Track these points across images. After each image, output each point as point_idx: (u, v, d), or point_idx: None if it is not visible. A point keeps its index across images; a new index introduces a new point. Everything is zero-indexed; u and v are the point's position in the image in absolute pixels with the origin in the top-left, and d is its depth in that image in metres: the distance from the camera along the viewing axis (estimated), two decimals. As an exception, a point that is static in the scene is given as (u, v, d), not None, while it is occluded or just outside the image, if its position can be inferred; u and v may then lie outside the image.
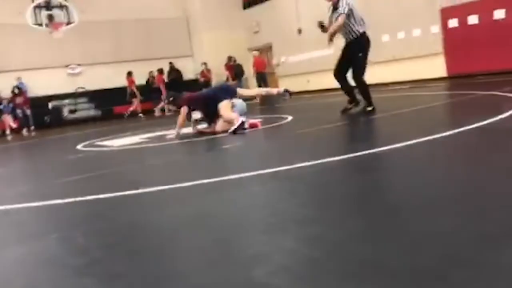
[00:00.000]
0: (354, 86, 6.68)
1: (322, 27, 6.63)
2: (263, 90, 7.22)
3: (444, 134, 3.91)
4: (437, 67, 12.81)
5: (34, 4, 13.95)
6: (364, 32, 6.40)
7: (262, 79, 16.67)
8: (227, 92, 6.71)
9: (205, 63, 18.14)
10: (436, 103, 7.40)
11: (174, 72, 17.83)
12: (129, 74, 16.68)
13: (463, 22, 12.14)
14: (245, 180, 3.25)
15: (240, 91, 7.07)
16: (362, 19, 6.41)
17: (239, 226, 2.24)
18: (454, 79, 11.96)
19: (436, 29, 12.80)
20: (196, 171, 4.10)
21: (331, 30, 6.36)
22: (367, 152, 3.67)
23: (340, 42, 6.78)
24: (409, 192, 2.44)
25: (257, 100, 13.31)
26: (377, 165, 3.30)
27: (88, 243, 2.25)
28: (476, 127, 4.00)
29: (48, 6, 14.17)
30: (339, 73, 6.64)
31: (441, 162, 3.14)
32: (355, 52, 6.40)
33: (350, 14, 6.27)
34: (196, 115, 6.84)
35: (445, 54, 12.72)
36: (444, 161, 3.17)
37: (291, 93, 7.05)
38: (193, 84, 17.08)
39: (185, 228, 2.31)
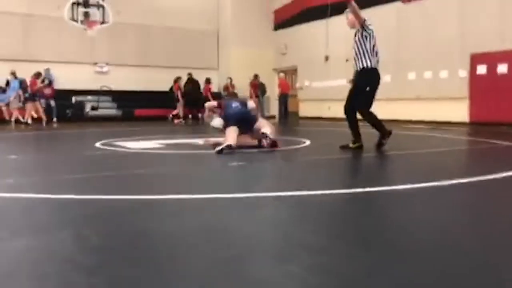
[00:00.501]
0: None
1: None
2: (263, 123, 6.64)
3: (460, 180, 3.87)
4: (460, 112, 12.74)
5: (73, 0, 14.30)
6: (376, 68, 6.08)
7: (284, 101, 16.79)
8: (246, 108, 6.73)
9: (230, 78, 18.30)
10: (455, 147, 7.34)
11: (192, 83, 17.91)
12: (177, 80, 16.97)
13: (492, 69, 12.10)
14: (259, 200, 3.26)
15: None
16: (377, 53, 6.09)
17: (248, 247, 2.23)
18: (477, 126, 11.87)
19: (464, 73, 12.76)
20: (208, 184, 4.11)
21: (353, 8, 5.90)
22: (381, 188, 3.65)
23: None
24: (420, 233, 2.42)
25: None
26: (391, 203, 3.28)
27: (97, 243, 2.27)
28: (493, 179, 3.96)
29: (85, 4, 14.52)
30: (349, 107, 6.25)
31: (452, 208, 3.11)
32: (363, 85, 6.10)
33: (368, 38, 5.98)
34: (217, 122, 6.77)
35: (470, 99, 12.66)
36: (457, 208, 3.14)
37: (272, 145, 6.31)
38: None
39: (193, 242, 2.31)
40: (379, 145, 6.15)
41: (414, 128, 11.43)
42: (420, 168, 4.99)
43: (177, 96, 16.84)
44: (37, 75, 14.88)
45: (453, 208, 3.09)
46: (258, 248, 2.23)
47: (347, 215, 2.94)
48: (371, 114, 6.14)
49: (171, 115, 16.87)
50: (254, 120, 6.53)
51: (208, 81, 17.99)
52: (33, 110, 14.57)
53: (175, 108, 17.00)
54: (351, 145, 6.25)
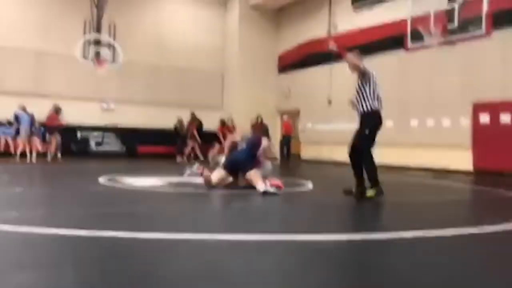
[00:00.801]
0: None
1: (353, 104, 6.59)
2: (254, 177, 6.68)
3: (466, 230, 3.88)
4: (463, 160, 12.77)
5: (85, 39, 14.69)
6: (378, 110, 6.09)
7: (286, 143, 16.92)
8: (253, 151, 6.82)
9: (231, 119, 18.48)
10: (459, 196, 7.34)
11: (194, 121, 18.11)
12: (193, 119, 17.50)
13: (495, 119, 12.20)
14: (262, 243, 3.26)
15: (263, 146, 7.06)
16: (380, 97, 6.14)
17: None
18: (480, 174, 11.88)
19: (466, 121, 12.87)
20: (210, 224, 4.13)
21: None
22: (384, 235, 3.66)
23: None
24: (422, 284, 2.42)
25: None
26: (393, 250, 3.28)
27: (97, 281, 2.29)
28: (501, 230, 3.96)
29: (97, 43, 14.92)
30: (352, 151, 6.25)
31: (456, 259, 3.10)
32: (363, 129, 6.11)
33: (369, 83, 6.05)
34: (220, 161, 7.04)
35: (473, 147, 12.71)
36: (462, 259, 3.13)
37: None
38: (214, 136, 17.29)
39: (193, 284, 2.31)
40: (354, 193, 6.03)
41: (416, 175, 11.46)
42: (423, 216, 4.98)
43: (191, 135, 17.14)
44: (57, 110, 15.15)
45: (457, 259, 3.08)
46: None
47: (349, 261, 2.95)
48: (370, 159, 6.05)
49: (183, 156, 16.97)
50: (246, 168, 6.54)
51: (223, 123, 18.13)
52: (53, 144, 14.87)
53: (184, 146, 17.19)
54: (354, 189, 6.23)
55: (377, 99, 6.13)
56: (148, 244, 3.13)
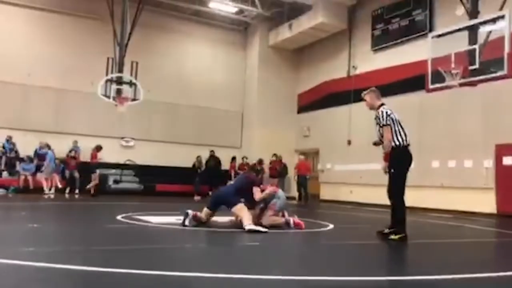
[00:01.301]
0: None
1: (375, 144, 6.49)
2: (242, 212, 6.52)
3: (493, 274, 3.70)
4: (486, 202, 12.44)
5: (108, 77, 14.99)
6: (401, 145, 5.90)
7: (302, 183, 16.82)
8: (243, 189, 6.70)
9: (245, 157, 18.58)
10: (484, 239, 7.08)
11: (213, 159, 18.28)
12: (233, 159, 18.61)
13: (518, 160, 11.95)
14: (282, 284, 3.14)
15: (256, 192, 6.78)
16: (405, 132, 5.96)
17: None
18: (504, 218, 11.52)
19: (489, 163, 12.61)
20: (228, 263, 4.01)
21: (385, 150, 5.97)
22: (409, 278, 3.50)
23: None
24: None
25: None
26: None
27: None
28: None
29: (118, 81, 15.20)
30: (388, 191, 6.06)
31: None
32: (389, 166, 5.97)
33: (391, 125, 5.94)
34: None
35: (496, 190, 12.40)
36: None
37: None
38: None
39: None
40: (384, 233, 5.92)
41: (439, 217, 11.16)
42: (448, 259, 4.80)
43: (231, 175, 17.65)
44: (98, 148, 15.38)
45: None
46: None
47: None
48: (399, 201, 5.86)
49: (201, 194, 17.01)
50: (230, 203, 6.38)
51: (233, 159, 18.71)
52: (94, 181, 15.15)
53: (194, 185, 17.25)
54: (386, 230, 5.98)
55: (402, 133, 5.95)
56: (162, 281, 3.03)
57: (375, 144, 6.35)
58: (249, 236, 5.71)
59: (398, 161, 5.90)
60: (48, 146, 14.98)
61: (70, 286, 2.86)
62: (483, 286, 3.37)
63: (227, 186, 6.78)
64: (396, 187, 5.90)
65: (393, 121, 5.93)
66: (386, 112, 5.95)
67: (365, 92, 6.35)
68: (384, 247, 5.60)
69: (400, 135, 5.92)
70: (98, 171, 15.41)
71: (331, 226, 7.48)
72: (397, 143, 5.88)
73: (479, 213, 12.15)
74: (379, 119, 6.03)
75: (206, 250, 4.86)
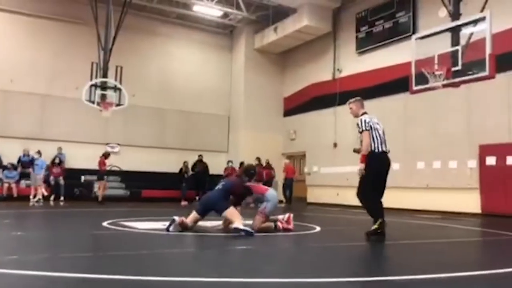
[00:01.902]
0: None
1: (356, 151, 6.59)
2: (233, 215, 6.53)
3: (477, 272, 3.73)
4: (471, 202, 12.58)
5: (92, 82, 14.83)
6: (376, 151, 6.14)
7: (288, 186, 16.91)
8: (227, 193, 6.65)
9: (230, 161, 18.52)
10: (468, 238, 7.15)
11: (200, 164, 18.17)
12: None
13: (501, 161, 12.09)
14: (272, 286, 3.13)
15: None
16: (382, 140, 6.22)
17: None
18: (488, 217, 11.65)
19: (473, 164, 12.75)
20: (217, 268, 3.98)
21: (362, 152, 6.20)
22: (395, 278, 3.51)
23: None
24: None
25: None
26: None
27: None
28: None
29: (103, 86, 15.05)
30: (358, 192, 6.37)
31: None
32: (365, 172, 6.14)
33: (369, 131, 6.18)
34: None
35: (480, 190, 12.54)
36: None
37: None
38: (218, 179, 17.29)
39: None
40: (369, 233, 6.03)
41: (424, 217, 11.24)
42: (435, 259, 4.82)
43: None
44: (106, 155, 15.25)
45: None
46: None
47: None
48: (367, 199, 6.17)
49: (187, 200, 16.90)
50: (220, 208, 6.36)
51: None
52: (103, 187, 15.12)
53: (180, 190, 17.13)
54: (374, 226, 6.07)
55: (380, 140, 6.23)
56: (149, 287, 3.00)
57: (356, 151, 6.53)
58: (236, 240, 5.69)
59: (371, 166, 6.11)
60: (40, 154, 14.68)
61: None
62: (469, 285, 3.39)
63: (215, 190, 6.69)
64: (363, 189, 6.21)
65: (371, 128, 6.21)
66: (365, 120, 6.25)
67: (351, 100, 6.63)
68: (371, 248, 5.64)
69: (376, 141, 6.18)
70: (106, 177, 15.42)
71: (318, 228, 7.49)
72: (372, 148, 6.15)
73: (465, 213, 12.27)
74: (358, 126, 6.30)
75: (194, 254, 4.83)
